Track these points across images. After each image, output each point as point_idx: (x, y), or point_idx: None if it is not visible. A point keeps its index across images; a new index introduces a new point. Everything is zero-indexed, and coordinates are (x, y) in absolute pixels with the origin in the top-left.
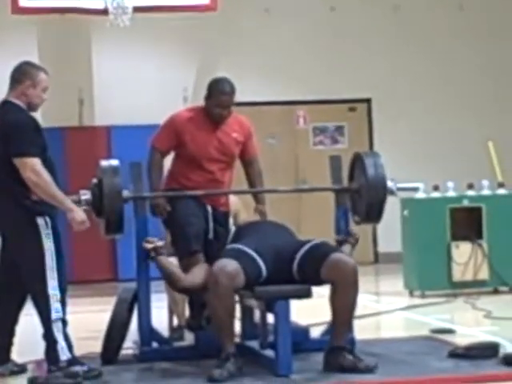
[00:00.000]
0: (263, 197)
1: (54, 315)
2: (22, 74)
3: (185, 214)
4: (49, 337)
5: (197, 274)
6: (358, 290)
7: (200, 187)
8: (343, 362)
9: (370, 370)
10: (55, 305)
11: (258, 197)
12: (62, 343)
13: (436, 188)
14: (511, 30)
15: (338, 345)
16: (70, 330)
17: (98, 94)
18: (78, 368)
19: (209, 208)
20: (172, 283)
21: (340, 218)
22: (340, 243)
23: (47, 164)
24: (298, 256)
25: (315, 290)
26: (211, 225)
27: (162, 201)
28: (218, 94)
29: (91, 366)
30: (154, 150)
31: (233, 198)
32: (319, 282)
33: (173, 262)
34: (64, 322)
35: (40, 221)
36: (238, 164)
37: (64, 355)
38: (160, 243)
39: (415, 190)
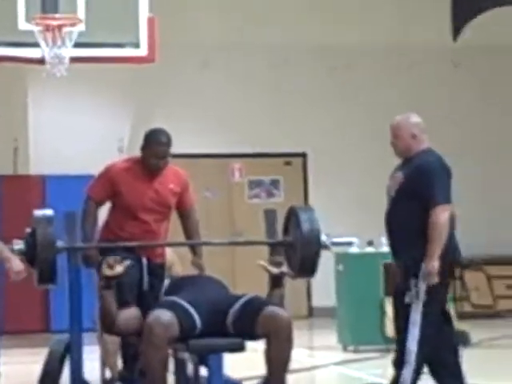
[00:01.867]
0: (200, 249)
1: None
2: None
3: None
4: None
5: (131, 317)
6: (293, 344)
7: (135, 238)
8: None
9: None
10: None
11: (194, 249)
12: None
13: (370, 243)
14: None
15: None
16: (1, 381)
17: (34, 142)
18: None
19: (144, 260)
20: (107, 323)
21: None
22: (276, 264)
23: None
24: (233, 310)
25: (250, 343)
26: (146, 277)
27: (93, 252)
28: (155, 145)
29: None
30: (88, 199)
31: (168, 250)
32: (254, 336)
33: None
34: None
35: None
36: (174, 215)
37: None
38: (119, 270)
39: (349, 244)
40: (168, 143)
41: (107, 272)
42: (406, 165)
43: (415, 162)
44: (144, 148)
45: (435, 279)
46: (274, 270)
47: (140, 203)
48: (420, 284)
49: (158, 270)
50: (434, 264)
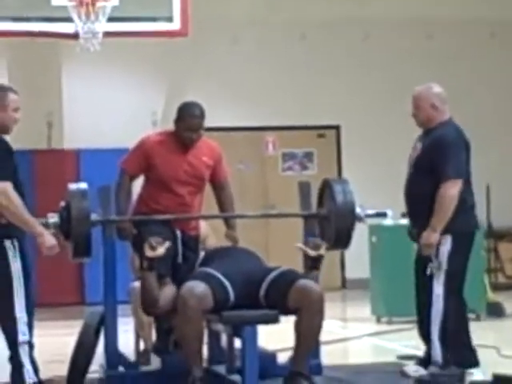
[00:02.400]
0: (234, 222)
1: (20, 338)
2: None
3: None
4: (15, 360)
5: (170, 298)
6: (324, 318)
7: (169, 211)
8: None
9: None
10: (22, 327)
11: (228, 222)
12: (27, 366)
13: (404, 215)
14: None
15: (296, 370)
16: (36, 353)
17: (68, 117)
18: None
19: (178, 232)
20: (148, 305)
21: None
22: (315, 247)
23: (18, 188)
24: (266, 282)
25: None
26: (180, 249)
27: (127, 225)
28: (188, 118)
29: None
30: (122, 172)
31: (202, 223)
32: (286, 309)
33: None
34: (31, 345)
35: (7, 243)
36: (208, 188)
37: (30, 379)
38: (161, 251)
39: (384, 216)
40: (201, 116)
41: (149, 253)
42: (426, 136)
43: (434, 134)
44: (177, 121)
45: (432, 251)
46: (312, 253)
47: (174, 176)
48: (441, 254)
49: (192, 242)
50: (434, 236)
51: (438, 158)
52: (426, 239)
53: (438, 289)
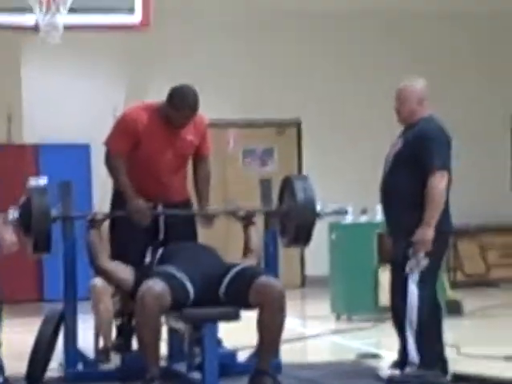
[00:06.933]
0: (206, 197)
1: None
2: None
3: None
4: None
5: (122, 268)
6: (286, 314)
7: (150, 190)
8: None
9: None
10: None
11: (201, 197)
12: None
13: (364, 211)
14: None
15: (262, 369)
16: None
17: (27, 110)
18: None
19: (159, 207)
20: (91, 259)
21: (269, 242)
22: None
23: None
24: (226, 279)
25: (244, 312)
26: (162, 226)
27: (144, 205)
28: (188, 109)
29: None
30: (116, 155)
31: None
32: (246, 306)
33: None
34: None
35: None
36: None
37: None
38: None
39: (343, 213)
40: (198, 107)
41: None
42: (407, 131)
43: (416, 129)
44: (173, 107)
45: (429, 247)
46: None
47: (158, 158)
48: (419, 253)
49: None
50: (429, 232)
51: (422, 151)
52: (421, 236)
53: (413, 289)
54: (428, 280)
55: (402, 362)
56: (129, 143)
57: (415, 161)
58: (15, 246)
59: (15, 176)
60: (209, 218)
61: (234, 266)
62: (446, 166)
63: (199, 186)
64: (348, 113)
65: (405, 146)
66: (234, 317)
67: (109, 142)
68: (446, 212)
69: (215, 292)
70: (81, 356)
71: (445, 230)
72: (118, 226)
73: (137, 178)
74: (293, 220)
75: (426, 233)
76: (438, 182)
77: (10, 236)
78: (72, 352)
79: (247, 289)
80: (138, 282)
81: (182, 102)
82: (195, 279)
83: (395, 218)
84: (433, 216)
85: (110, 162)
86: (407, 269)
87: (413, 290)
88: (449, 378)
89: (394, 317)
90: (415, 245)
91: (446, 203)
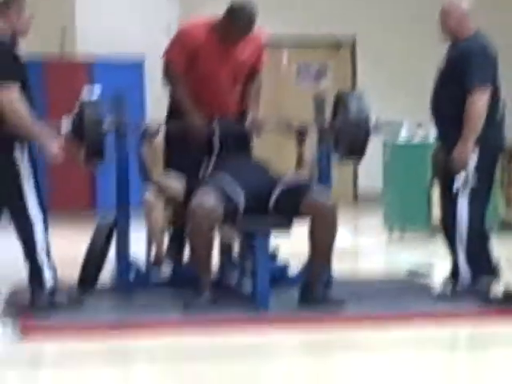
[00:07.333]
0: (257, 107)
1: (37, 238)
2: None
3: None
4: (33, 264)
5: (171, 179)
6: (337, 228)
7: (207, 106)
8: (316, 296)
9: (340, 304)
10: (37, 228)
11: (253, 108)
12: (46, 270)
13: (419, 125)
14: None
15: (312, 279)
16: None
17: (80, 25)
18: (60, 296)
19: (215, 123)
20: (145, 171)
21: (322, 157)
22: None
23: (26, 91)
24: (277, 191)
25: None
26: (217, 139)
27: (200, 120)
28: (246, 28)
29: (71, 294)
30: (169, 65)
31: None
32: (297, 218)
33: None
34: (48, 246)
35: (17, 145)
36: None
37: (48, 282)
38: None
39: (399, 125)
40: (255, 23)
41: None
42: (453, 48)
43: (460, 46)
44: (232, 24)
45: (465, 165)
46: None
47: (215, 74)
48: (469, 170)
49: (233, 124)
50: (465, 149)
51: (464, 68)
52: (458, 152)
53: (463, 206)
54: (478, 196)
55: (454, 277)
56: (187, 57)
57: (459, 77)
58: (58, 158)
59: (68, 92)
60: (258, 127)
61: (285, 178)
62: (486, 83)
63: (251, 96)
64: (402, 29)
65: (449, 62)
66: (287, 225)
67: (167, 55)
68: (493, 127)
69: (265, 204)
70: (133, 264)
71: (493, 145)
72: (172, 140)
73: (192, 94)
74: (346, 135)
75: (462, 150)
76: (477, 98)
77: (55, 148)
78: (124, 260)
79: (298, 203)
80: (190, 193)
81: (241, 19)
82: (246, 191)
83: (444, 133)
84: (470, 132)
85: (168, 73)
86: (454, 187)
87: (462, 206)
88: (501, 289)
89: (445, 232)
90: (453, 162)
91: (493, 118)
